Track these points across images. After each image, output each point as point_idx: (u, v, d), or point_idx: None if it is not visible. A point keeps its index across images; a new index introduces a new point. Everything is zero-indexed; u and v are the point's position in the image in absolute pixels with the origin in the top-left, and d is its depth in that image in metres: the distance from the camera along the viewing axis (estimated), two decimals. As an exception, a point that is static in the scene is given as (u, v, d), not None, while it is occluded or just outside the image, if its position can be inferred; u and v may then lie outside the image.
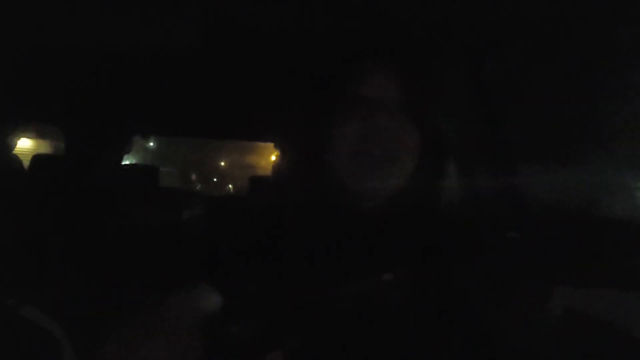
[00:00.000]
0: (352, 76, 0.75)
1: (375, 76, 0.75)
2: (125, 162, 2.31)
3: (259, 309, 0.49)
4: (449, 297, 0.61)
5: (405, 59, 0.78)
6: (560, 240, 0.54)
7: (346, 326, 0.57)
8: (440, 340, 0.65)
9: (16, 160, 1.51)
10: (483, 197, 1.04)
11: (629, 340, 0.62)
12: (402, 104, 0.74)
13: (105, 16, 0.99)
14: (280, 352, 0.49)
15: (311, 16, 0.96)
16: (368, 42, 0.80)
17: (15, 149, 1.58)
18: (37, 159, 1.78)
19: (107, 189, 1.86)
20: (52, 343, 0.77)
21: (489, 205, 1.03)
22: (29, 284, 0.93)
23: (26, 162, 1.69)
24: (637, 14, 0.82)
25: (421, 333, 0.64)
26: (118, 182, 1.98)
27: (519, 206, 1.05)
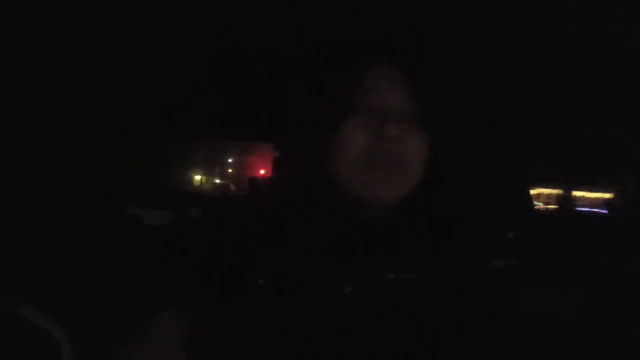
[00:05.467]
0: (354, 80, 0.74)
1: (377, 80, 0.74)
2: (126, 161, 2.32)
3: (258, 310, 0.49)
4: (449, 298, 0.61)
5: (407, 63, 0.77)
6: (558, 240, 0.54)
7: (346, 326, 0.57)
8: (440, 341, 0.65)
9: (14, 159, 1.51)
10: (487, 198, 1.04)
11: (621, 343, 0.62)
12: (405, 108, 0.73)
13: (104, 17, 1.00)
14: (279, 353, 0.49)
15: (314, 18, 0.96)
16: (370, 45, 0.80)
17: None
18: (39, 158, 1.78)
19: (107, 188, 1.86)
20: (51, 344, 0.77)
21: (491, 206, 1.02)
22: (29, 284, 0.93)
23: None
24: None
25: (421, 334, 0.64)
26: (118, 182, 1.98)
27: (519, 207, 1.05)
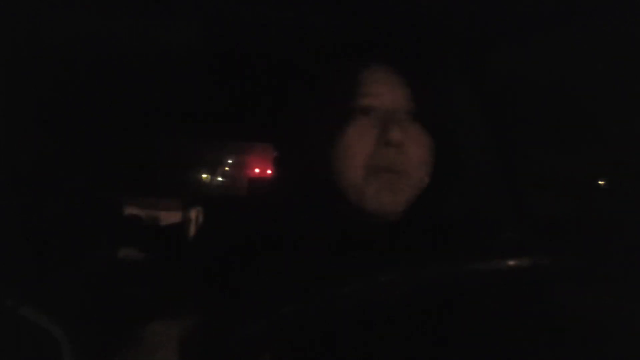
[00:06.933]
0: (354, 81, 0.74)
1: (377, 81, 0.74)
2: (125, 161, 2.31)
3: (258, 310, 0.49)
4: (449, 298, 0.61)
5: (407, 63, 0.77)
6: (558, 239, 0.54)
7: (346, 326, 0.57)
8: (439, 341, 0.65)
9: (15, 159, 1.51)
10: (487, 198, 1.04)
11: (624, 341, 0.62)
12: (405, 109, 0.73)
13: (104, 17, 0.99)
14: (279, 353, 0.49)
15: (314, 18, 0.96)
16: (370, 45, 0.79)
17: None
18: (39, 158, 1.78)
19: (107, 188, 1.86)
20: (51, 344, 0.77)
21: (491, 206, 1.02)
22: (29, 284, 0.93)
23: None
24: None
25: (421, 335, 0.64)
26: (118, 182, 1.98)
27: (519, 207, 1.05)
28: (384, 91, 0.72)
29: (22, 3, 0.95)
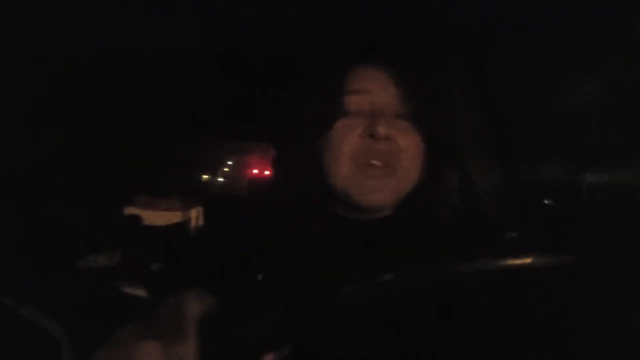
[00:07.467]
0: (351, 79, 0.74)
1: (377, 80, 0.74)
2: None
3: (258, 309, 0.49)
4: (449, 298, 0.61)
5: (407, 62, 0.77)
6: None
7: (346, 327, 0.57)
8: (440, 341, 0.65)
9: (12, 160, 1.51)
10: (487, 198, 1.04)
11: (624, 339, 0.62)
12: (405, 109, 0.73)
13: (104, 17, 1.00)
14: (278, 353, 0.48)
15: (314, 18, 0.96)
16: (370, 45, 0.79)
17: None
18: (39, 158, 1.78)
19: (107, 189, 1.86)
20: (51, 344, 0.77)
21: (488, 205, 1.02)
22: (29, 284, 0.93)
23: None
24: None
25: (422, 334, 0.64)
26: (118, 182, 1.98)
27: (519, 207, 1.05)
28: (380, 89, 0.72)
29: (22, 3, 0.95)
